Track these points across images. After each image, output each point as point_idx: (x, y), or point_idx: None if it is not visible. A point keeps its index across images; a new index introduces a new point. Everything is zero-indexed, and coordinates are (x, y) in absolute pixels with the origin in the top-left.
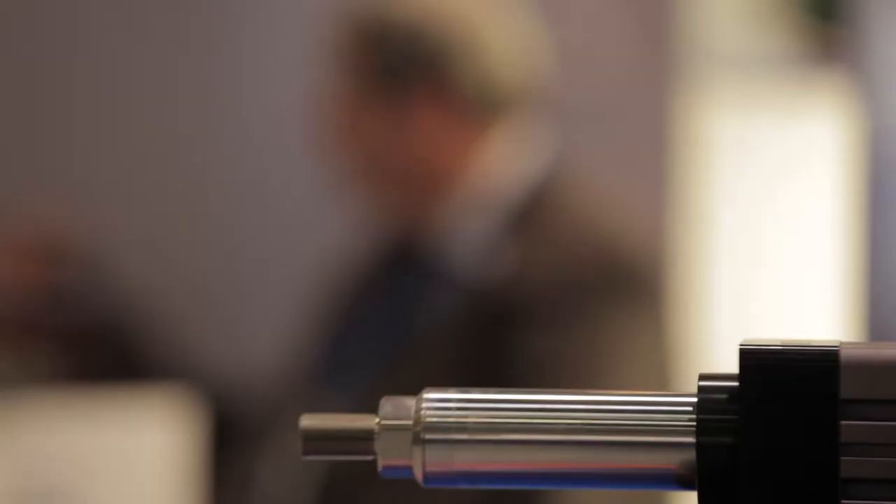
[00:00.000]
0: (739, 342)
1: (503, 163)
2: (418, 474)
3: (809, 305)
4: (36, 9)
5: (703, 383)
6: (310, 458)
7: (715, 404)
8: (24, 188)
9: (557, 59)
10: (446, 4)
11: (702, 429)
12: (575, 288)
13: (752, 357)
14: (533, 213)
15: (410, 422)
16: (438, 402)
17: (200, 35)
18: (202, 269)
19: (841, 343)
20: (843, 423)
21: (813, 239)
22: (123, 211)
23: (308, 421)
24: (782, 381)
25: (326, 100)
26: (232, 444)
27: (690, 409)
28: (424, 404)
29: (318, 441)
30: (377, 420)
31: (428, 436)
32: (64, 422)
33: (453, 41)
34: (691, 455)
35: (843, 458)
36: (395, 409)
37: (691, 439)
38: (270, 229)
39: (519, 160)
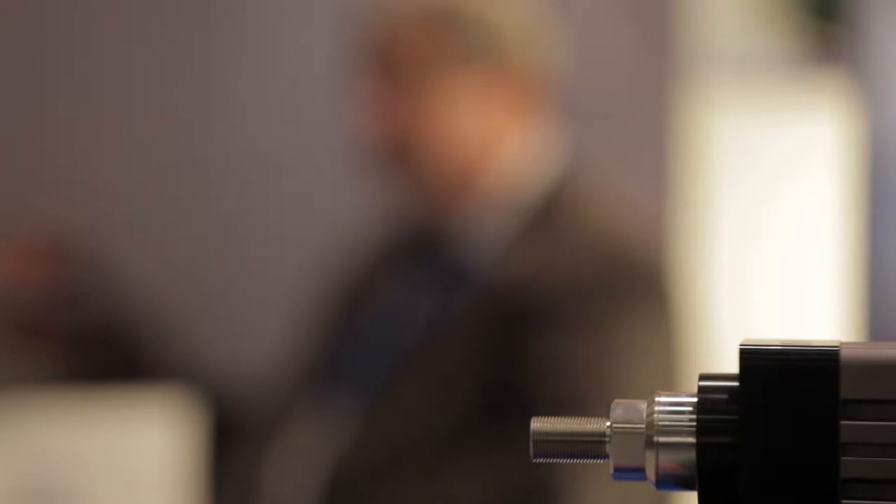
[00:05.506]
0: (739, 342)
1: (521, 162)
2: (651, 477)
3: (809, 305)
4: (35, 8)
5: (703, 383)
6: (540, 460)
7: (715, 404)
8: (26, 189)
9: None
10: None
11: (702, 429)
12: (589, 290)
13: (752, 357)
14: (549, 214)
15: (643, 425)
16: (670, 405)
17: (200, 35)
18: (202, 269)
19: (841, 343)
20: (843, 423)
21: (813, 239)
22: (124, 211)
23: (539, 424)
24: (782, 381)
25: (359, 86)
26: (232, 444)
27: (690, 409)
28: (657, 407)
29: (550, 444)
30: (609, 423)
31: (661, 439)
32: (64, 422)
33: (505, 31)
34: (691, 455)
35: (843, 458)
36: (627, 413)
37: (691, 439)
38: (271, 229)
39: (536, 160)
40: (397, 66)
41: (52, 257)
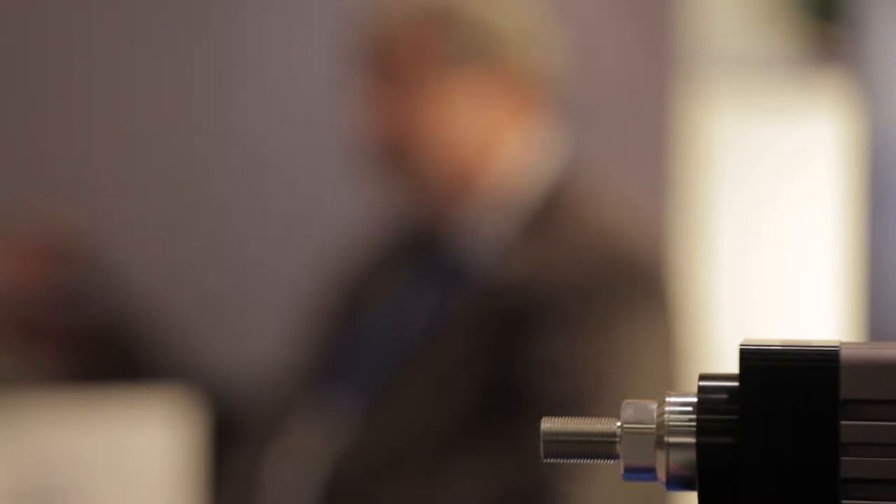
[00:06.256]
0: (739, 342)
1: (521, 162)
2: (661, 477)
3: (809, 305)
4: (36, 8)
5: (703, 383)
6: (550, 460)
7: (715, 404)
8: (26, 189)
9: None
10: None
11: (702, 429)
12: (589, 290)
13: (752, 357)
14: (549, 214)
15: (653, 426)
16: (681, 405)
17: (200, 35)
18: (202, 269)
19: (841, 343)
20: (843, 423)
21: (813, 239)
22: (125, 211)
23: (549, 424)
24: (782, 381)
25: (358, 86)
26: (232, 444)
27: (690, 409)
28: (667, 408)
29: (560, 444)
30: (619, 423)
31: (671, 439)
32: (64, 422)
33: (504, 31)
34: (691, 455)
35: (843, 458)
36: (637, 413)
37: (691, 439)
38: (271, 229)
39: (536, 160)
40: (396, 67)
41: (52, 257)
